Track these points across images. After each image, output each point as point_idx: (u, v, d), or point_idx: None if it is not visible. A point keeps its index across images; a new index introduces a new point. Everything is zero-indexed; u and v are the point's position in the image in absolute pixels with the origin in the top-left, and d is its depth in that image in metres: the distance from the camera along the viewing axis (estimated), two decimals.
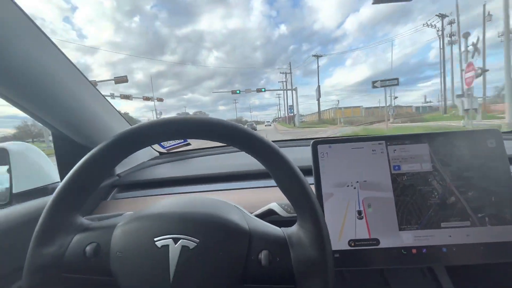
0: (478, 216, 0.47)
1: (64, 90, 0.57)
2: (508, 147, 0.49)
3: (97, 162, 0.33)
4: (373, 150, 0.51)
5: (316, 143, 0.51)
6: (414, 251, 0.47)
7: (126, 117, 0.87)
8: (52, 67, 0.54)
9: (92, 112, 0.66)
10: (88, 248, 0.32)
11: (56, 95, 0.56)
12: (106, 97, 0.73)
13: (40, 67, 0.51)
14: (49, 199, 0.32)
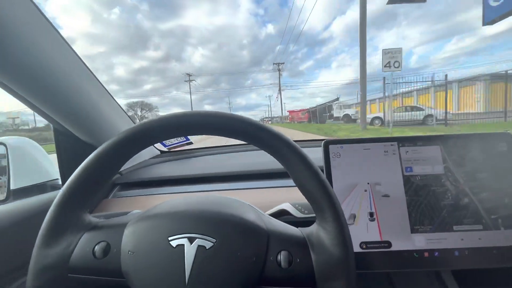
0: (492, 218, 0.46)
1: (69, 84, 0.56)
2: None
3: (107, 159, 0.32)
4: (385, 151, 0.50)
5: (328, 143, 0.51)
6: (426, 254, 0.46)
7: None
8: (57, 60, 0.52)
9: (97, 109, 0.64)
10: (97, 248, 0.30)
11: (61, 89, 0.54)
12: (111, 94, 0.71)
13: (45, 58, 0.49)
14: (48, 197, 0.30)
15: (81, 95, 0.59)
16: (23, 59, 0.46)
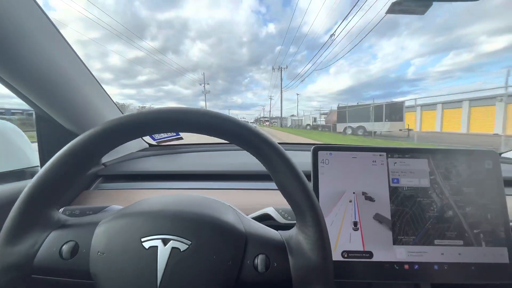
0: (474, 232, 0.47)
1: (54, 68, 0.53)
2: (504, 170, 0.49)
3: (83, 150, 0.29)
4: (373, 161, 0.50)
5: (317, 149, 0.50)
6: (406, 266, 0.46)
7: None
8: (42, 43, 0.49)
9: (83, 96, 0.62)
10: (64, 248, 0.29)
11: (45, 72, 0.52)
12: (100, 83, 0.69)
13: (29, 40, 0.46)
14: (26, 184, 0.28)
15: (66, 80, 0.57)
16: (4, 39, 0.43)
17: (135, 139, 0.33)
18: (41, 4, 0.48)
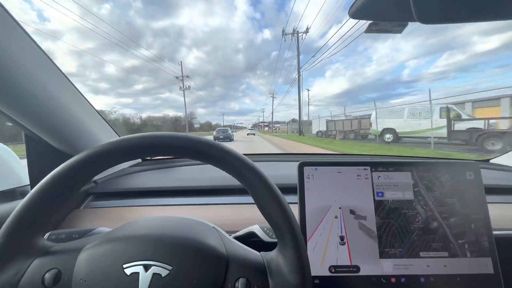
0: (459, 243, 0.47)
1: (42, 90, 0.54)
2: (493, 177, 0.51)
3: (75, 173, 0.30)
4: (357, 175, 0.51)
5: (303, 165, 0.51)
6: (393, 280, 0.46)
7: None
8: (31, 65, 0.50)
9: (71, 115, 0.62)
10: (47, 275, 0.29)
11: (33, 94, 0.52)
12: (91, 104, 0.69)
13: (15, 63, 0.47)
14: (13, 206, 0.29)
15: (55, 102, 0.57)
16: None
17: (127, 161, 0.33)
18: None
